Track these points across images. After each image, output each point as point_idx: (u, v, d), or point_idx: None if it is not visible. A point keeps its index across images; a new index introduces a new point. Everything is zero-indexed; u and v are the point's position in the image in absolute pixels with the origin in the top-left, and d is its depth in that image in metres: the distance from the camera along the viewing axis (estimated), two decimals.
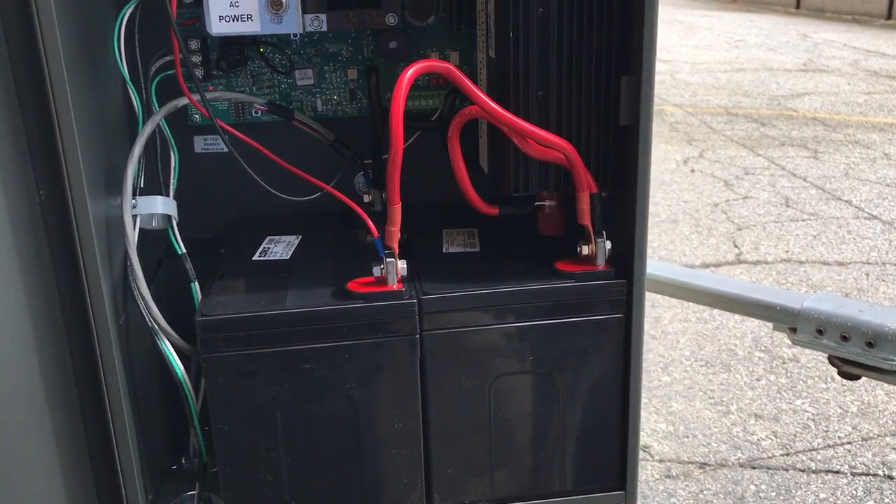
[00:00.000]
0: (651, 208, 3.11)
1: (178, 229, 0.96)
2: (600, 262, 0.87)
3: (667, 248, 3.58)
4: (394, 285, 0.84)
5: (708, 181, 4.57)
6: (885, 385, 2.48)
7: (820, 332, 1.49)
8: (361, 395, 0.85)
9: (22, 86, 0.75)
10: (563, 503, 0.93)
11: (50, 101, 0.75)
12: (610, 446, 0.92)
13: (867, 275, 3.31)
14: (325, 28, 0.92)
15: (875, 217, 4.00)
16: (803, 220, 3.95)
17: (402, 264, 0.85)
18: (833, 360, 1.52)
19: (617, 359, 0.88)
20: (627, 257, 0.86)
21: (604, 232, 0.86)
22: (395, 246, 0.84)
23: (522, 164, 0.86)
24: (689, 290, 1.66)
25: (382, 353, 0.84)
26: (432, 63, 0.82)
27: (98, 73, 0.88)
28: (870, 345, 1.43)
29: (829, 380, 2.50)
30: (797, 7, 13.86)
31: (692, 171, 4.77)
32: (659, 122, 6.01)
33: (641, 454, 2.13)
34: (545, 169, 0.86)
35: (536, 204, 0.92)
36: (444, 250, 0.97)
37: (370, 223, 0.85)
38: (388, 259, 0.84)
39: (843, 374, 1.53)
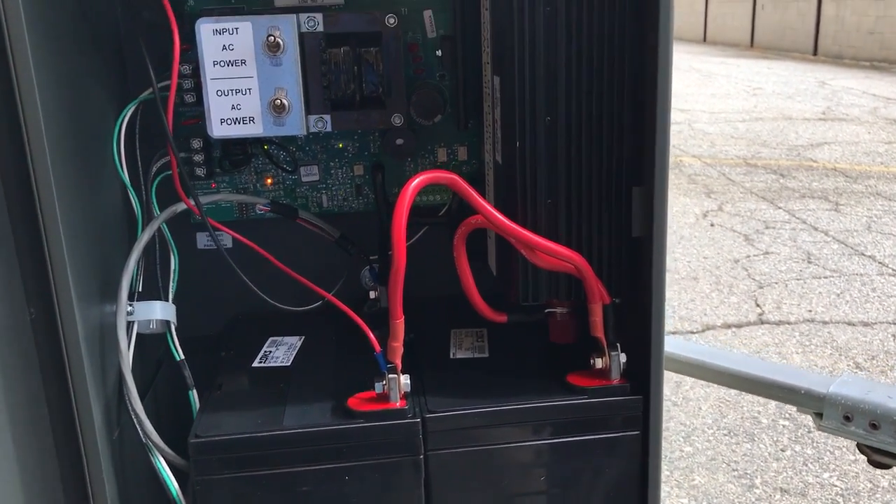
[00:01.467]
0: (670, 264, 3.06)
1: (178, 328, 0.93)
2: (615, 377, 0.82)
3: (687, 306, 3.52)
4: (396, 403, 0.80)
5: (728, 235, 4.51)
6: None
7: (847, 418, 1.43)
8: None
9: (12, 199, 0.73)
10: None
11: (38, 215, 0.73)
12: None
13: (894, 336, 3.23)
14: (329, 129, 0.90)
15: None
16: (826, 277, 3.88)
17: (405, 380, 0.81)
18: (862, 448, 1.46)
19: (633, 477, 0.84)
20: (643, 370, 0.81)
21: (618, 344, 0.82)
22: (398, 362, 0.80)
23: (531, 274, 0.82)
24: (710, 370, 1.61)
25: (385, 474, 0.80)
26: (437, 174, 0.79)
27: (94, 176, 0.86)
28: None
29: (857, 451, 2.42)
30: (814, 53, 13.88)
31: (711, 224, 4.72)
32: (677, 174, 5.97)
33: None
34: (555, 277, 0.83)
35: (547, 311, 0.88)
36: (451, 355, 0.93)
37: (372, 338, 0.81)
38: (390, 375, 0.80)
39: (872, 463, 1.47)
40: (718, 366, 1.61)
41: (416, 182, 0.76)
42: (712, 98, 9.53)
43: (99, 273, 0.84)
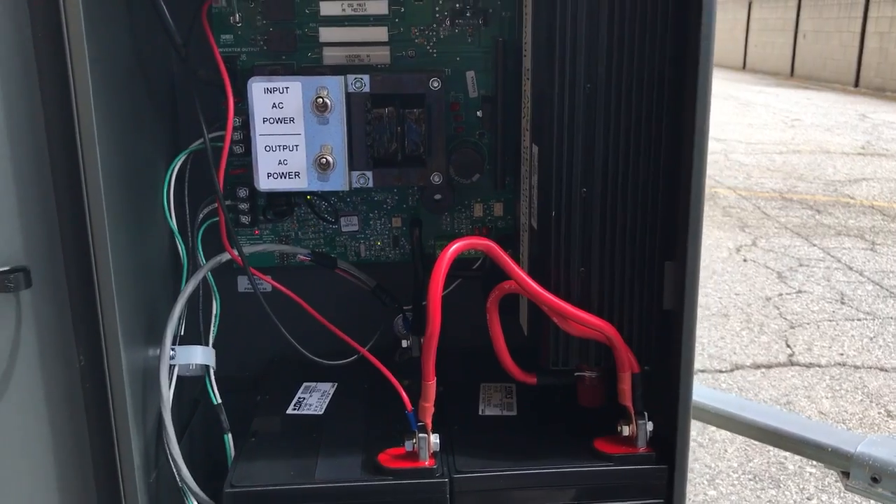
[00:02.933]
0: (701, 300, 3.04)
1: (217, 369, 0.96)
2: (641, 445, 0.84)
3: (716, 344, 3.50)
4: (426, 461, 0.82)
5: (761, 272, 4.48)
6: None
7: (875, 479, 1.42)
8: None
9: (67, 246, 0.76)
10: None
11: (91, 262, 0.76)
12: None
13: None
14: (371, 185, 0.92)
15: None
16: (859, 320, 3.83)
17: (434, 439, 0.83)
18: None
19: None
20: (670, 440, 0.83)
21: (645, 413, 0.84)
22: (429, 421, 0.82)
23: (563, 340, 0.84)
24: (737, 422, 1.61)
25: None
26: (474, 241, 0.81)
27: (144, 223, 0.89)
28: None
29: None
30: (856, 85, 13.74)
31: (745, 260, 4.69)
32: (711, 206, 5.94)
33: None
34: (585, 344, 0.85)
35: (576, 374, 0.90)
36: (479, 411, 0.95)
37: (405, 396, 0.83)
38: (420, 434, 0.82)
39: None
40: (746, 418, 1.60)
41: (453, 248, 0.78)
42: (749, 128, 9.47)
43: (144, 317, 0.87)
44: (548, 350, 0.85)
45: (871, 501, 1.44)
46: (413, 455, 0.83)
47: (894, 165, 7.54)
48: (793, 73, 15.74)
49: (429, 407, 0.82)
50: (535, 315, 0.87)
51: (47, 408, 0.78)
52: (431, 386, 0.81)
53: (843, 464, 1.47)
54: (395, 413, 0.87)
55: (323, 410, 0.97)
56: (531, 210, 0.89)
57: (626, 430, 0.84)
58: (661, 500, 0.84)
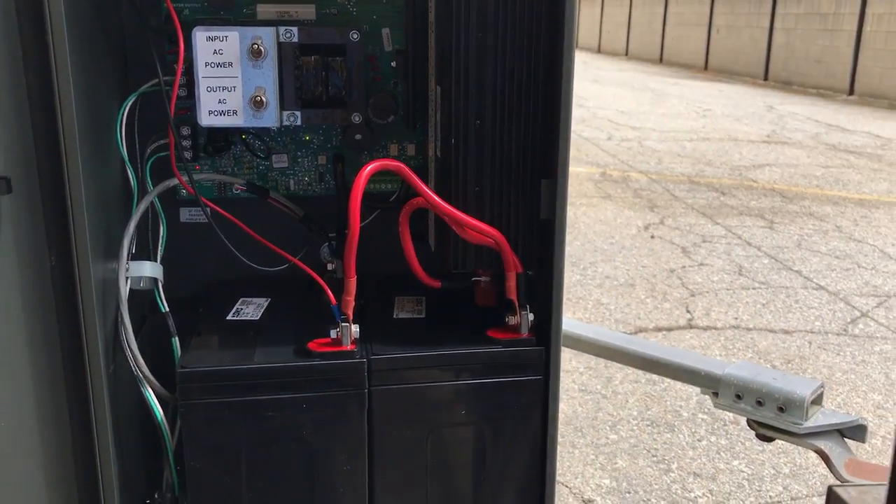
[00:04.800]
0: (610, 272, 3.29)
1: (163, 289, 1.11)
2: (524, 332, 1.02)
3: (623, 311, 3.75)
4: (348, 346, 0.99)
5: (667, 247, 4.77)
6: None
7: (738, 396, 1.66)
8: (316, 441, 0.99)
9: (42, 165, 0.90)
10: None
11: (65, 179, 0.90)
12: (531, 492, 1.07)
13: (809, 343, 3.50)
14: (299, 123, 1.08)
15: (822, 287, 4.21)
16: (754, 289, 4.15)
17: (355, 328, 1.00)
18: (750, 423, 1.68)
19: (537, 412, 1.03)
20: (546, 328, 1.01)
21: (528, 305, 1.02)
22: (350, 313, 0.99)
23: (461, 247, 1.02)
24: (624, 353, 1.82)
25: (335, 405, 0.99)
26: (387, 162, 0.98)
27: (103, 153, 1.03)
28: (781, 410, 1.60)
29: (764, 442, 2.66)
30: (765, 78, 14.36)
31: (652, 237, 4.97)
32: (624, 188, 6.24)
33: None
34: (480, 251, 1.02)
35: (473, 279, 1.08)
36: (394, 316, 1.12)
37: (329, 292, 1.00)
38: (343, 324, 0.99)
39: (759, 437, 1.69)
40: (632, 350, 1.82)
41: (370, 167, 0.95)
42: (663, 117, 9.87)
43: (103, 232, 1.01)
44: (449, 256, 1.02)
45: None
46: (337, 342, 0.99)
47: (795, 152, 8.00)
48: (707, 67, 16.33)
49: (350, 300, 0.98)
50: (440, 228, 1.04)
51: (22, 301, 0.91)
52: (352, 282, 0.98)
53: (714, 385, 1.70)
54: (321, 316, 1.03)
55: (259, 317, 1.12)
56: (436, 143, 1.06)
57: (512, 320, 1.03)
58: (540, 376, 1.02)
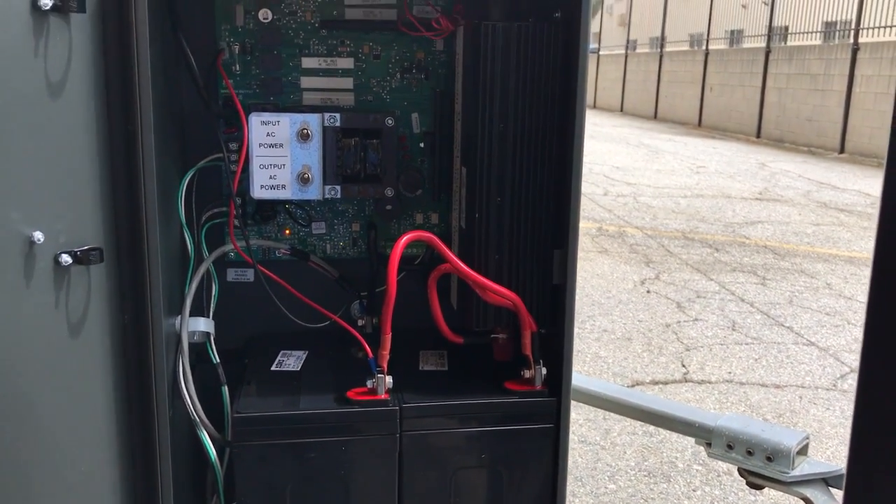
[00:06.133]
0: (607, 325, 3.44)
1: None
2: (538, 384, 1.16)
3: (620, 364, 3.87)
4: (382, 395, 1.12)
5: (662, 302, 4.91)
6: None
7: (730, 447, 1.78)
8: (353, 478, 1.12)
9: (123, 236, 1.04)
10: None
11: (144, 248, 1.04)
12: None
13: (800, 398, 3.62)
14: (339, 196, 1.23)
15: (812, 343, 4.35)
16: (747, 344, 4.28)
17: (388, 379, 1.13)
18: (741, 472, 1.81)
19: (549, 458, 1.16)
20: (557, 381, 1.15)
21: (541, 360, 1.16)
22: (385, 365, 1.12)
23: (482, 308, 1.16)
24: (624, 406, 1.95)
25: (371, 447, 1.12)
26: (420, 234, 1.13)
27: (168, 223, 1.17)
28: (769, 459, 1.73)
29: (757, 493, 2.77)
30: (758, 136, 14.66)
31: (648, 291, 5.12)
32: (620, 244, 6.40)
33: None
34: (499, 311, 1.16)
35: (492, 336, 1.22)
36: (420, 368, 1.26)
37: (366, 346, 1.14)
38: (378, 375, 1.12)
39: (749, 484, 1.82)
40: (631, 402, 1.95)
41: (406, 237, 1.10)
42: (658, 174, 10.08)
43: (168, 292, 1.15)
44: (472, 315, 1.16)
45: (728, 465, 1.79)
46: (373, 391, 1.13)
47: (787, 210, 8.20)
48: (700, 124, 16.67)
49: (385, 354, 1.12)
50: (463, 290, 1.18)
51: (104, 352, 1.04)
52: (388, 339, 1.12)
53: (706, 436, 1.83)
54: (353, 366, 1.17)
55: (299, 368, 1.26)
56: (460, 214, 1.21)
57: (527, 374, 1.16)
58: (552, 425, 1.16)
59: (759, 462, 1.74)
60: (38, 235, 0.88)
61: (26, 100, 0.88)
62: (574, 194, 1.09)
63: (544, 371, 1.16)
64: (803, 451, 1.74)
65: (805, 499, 1.70)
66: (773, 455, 1.71)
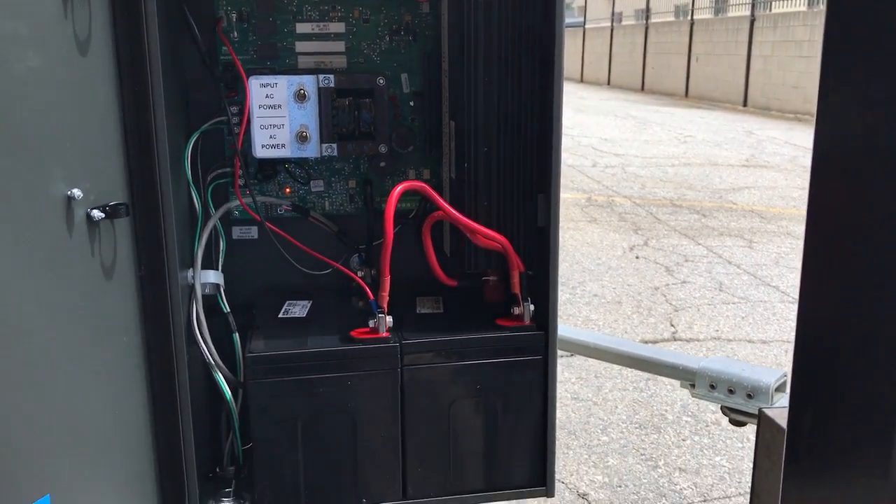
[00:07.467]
0: (597, 290, 3.54)
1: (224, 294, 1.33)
2: (527, 320, 1.25)
3: (611, 326, 3.98)
4: (383, 334, 1.21)
5: (651, 267, 5.01)
6: None
7: (712, 386, 1.88)
8: (358, 411, 1.21)
9: (138, 194, 1.13)
10: (502, 495, 1.28)
11: (159, 204, 1.12)
12: (536, 454, 1.29)
13: (786, 351, 3.73)
14: (335, 154, 1.31)
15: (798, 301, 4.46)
16: (734, 304, 4.39)
17: (389, 319, 1.22)
18: (724, 410, 1.91)
19: (539, 387, 1.26)
20: (545, 316, 1.24)
21: (529, 298, 1.25)
22: (385, 306, 1.21)
23: (473, 251, 1.25)
24: (614, 354, 2.05)
25: (374, 381, 1.21)
26: (413, 183, 1.21)
27: (178, 182, 1.25)
28: (749, 396, 1.82)
29: (745, 440, 2.88)
30: (744, 105, 14.74)
31: (637, 257, 5.22)
32: (609, 213, 6.50)
33: (580, 501, 2.47)
34: (489, 254, 1.25)
35: (483, 278, 1.31)
36: (417, 311, 1.35)
37: (368, 290, 1.23)
38: (379, 315, 1.21)
39: (732, 422, 1.92)
40: (618, 349, 2.05)
41: (401, 187, 1.18)
42: (646, 144, 10.17)
43: (179, 247, 1.23)
44: (464, 258, 1.25)
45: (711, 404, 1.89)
46: (374, 330, 1.22)
47: (774, 175, 8.30)
48: (687, 94, 16.73)
49: (385, 296, 1.21)
50: (455, 236, 1.27)
51: (129, 302, 1.13)
52: (387, 281, 1.21)
53: (690, 377, 1.93)
54: (355, 313, 1.25)
55: (305, 314, 1.34)
56: (450, 167, 1.29)
57: (516, 311, 1.25)
58: (540, 356, 1.25)
59: (740, 399, 1.83)
60: (77, 192, 0.96)
61: (60, 59, 0.96)
62: (555, 140, 1.17)
63: (532, 308, 1.25)
64: (781, 388, 1.84)
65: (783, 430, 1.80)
66: (753, 392, 1.81)
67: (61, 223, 0.95)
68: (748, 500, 2.38)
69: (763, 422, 1.26)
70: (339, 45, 1.39)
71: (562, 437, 2.86)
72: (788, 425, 0.96)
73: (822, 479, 0.90)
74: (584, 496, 2.53)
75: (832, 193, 0.88)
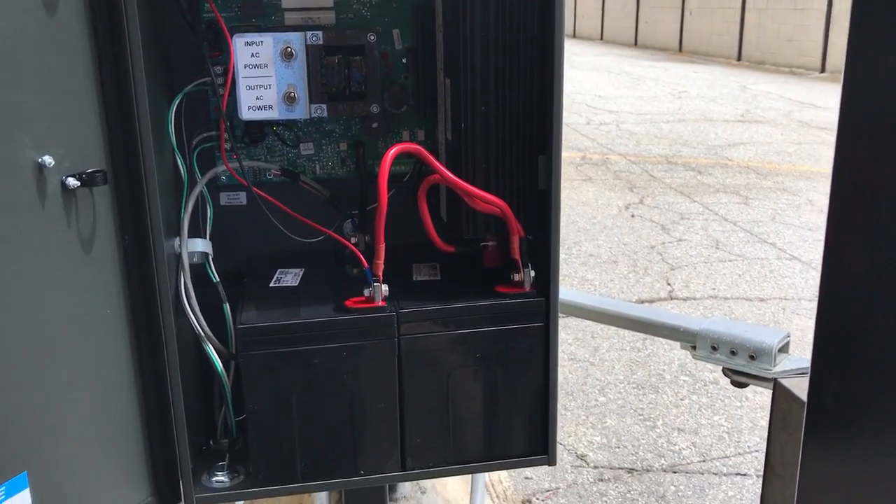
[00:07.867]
0: (593, 250, 3.51)
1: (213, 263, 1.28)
2: (527, 286, 1.20)
3: (607, 286, 3.95)
4: (379, 303, 1.17)
5: (646, 225, 4.98)
6: None
7: (714, 348, 1.85)
8: (354, 382, 1.17)
9: (119, 160, 1.07)
10: (502, 464, 1.25)
11: (142, 170, 1.07)
12: (537, 422, 1.25)
13: (784, 309, 3.72)
14: (325, 115, 1.25)
15: (795, 258, 4.43)
16: (731, 261, 4.36)
17: (385, 288, 1.18)
18: (725, 371, 1.88)
19: (540, 354, 1.22)
20: (545, 282, 1.20)
21: (529, 264, 1.20)
22: (380, 274, 1.17)
23: (471, 216, 1.20)
24: (613, 316, 2.01)
25: (370, 351, 1.17)
26: (407, 145, 1.16)
27: (161, 146, 1.20)
28: (752, 357, 1.79)
29: (743, 399, 2.87)
30: (739, 59, 14.61)
31: (632, 216, 5.18)
32: (604, 171, 6.44)
33: (579, 462, 2.46)
34: (487, 219, 1.20)
35: (482, 244, 1.26)
36: (414, 279, 1.30)
37: (362, 258, 1.18)
38: (374, 284, 1.17)
39: (734, 383, 1.89)
40: (618, 311, 2.01)
41: (395, 149, 1.13)
42: (640, 100, 10.08)
43: (166, 216, 1.18)
44: (462, 224, 1.20)
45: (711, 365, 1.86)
46: (370, 299, 1.17)
47: (769, 130, 8.23)
48: (681, 49, 16.56)
49: (380, 264, 1.16)
50: (452, 201, 1.22)
51: (112, 273, 1.08)
52: (382, 248, 1.16)
53: (691, 339, 1.89)
54: (349, 281, 1.21)
55: (297, 283, 1.30)
56: (446, 128, 1.24)
57: (516, 277, 1.21)
58: (542, 323, 1.21)
59: (742, 361, 1.80)
60: (48, 159, 0.91)
61: (24, 16, 0.90)
62: (556, 99, 1.12)
63: (532, 273, 1.20)
64: (784, 348, 1.80)
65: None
66: (756, 353, 1.78)
67: (31, 193, 0.90)
68: (747, 460, 2.37)
69: (778, 392, 1.22)
70: (328, 0, 1.32)
71: (559, 399, 2.84)
72: (809, 396, 0.92)
73: (848, 453, 0.86)
74: (582, 457, 2.52)
75: (861, 149, 0.83)
